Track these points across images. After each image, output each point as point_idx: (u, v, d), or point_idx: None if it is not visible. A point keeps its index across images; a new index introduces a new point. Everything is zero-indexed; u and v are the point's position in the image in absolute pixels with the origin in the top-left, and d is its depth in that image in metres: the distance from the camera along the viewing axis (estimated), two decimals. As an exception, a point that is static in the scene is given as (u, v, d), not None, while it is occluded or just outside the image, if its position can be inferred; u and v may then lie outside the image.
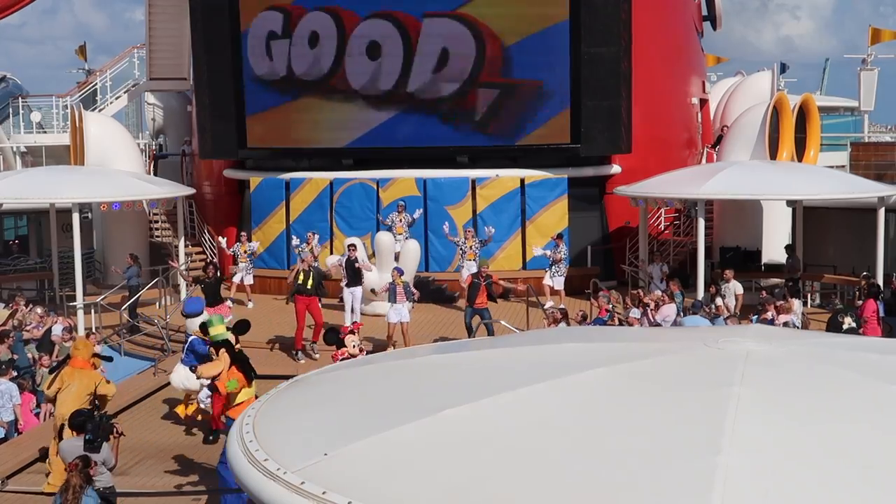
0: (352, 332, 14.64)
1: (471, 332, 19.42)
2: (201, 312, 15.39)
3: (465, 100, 25.92)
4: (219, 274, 20.39)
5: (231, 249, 24.86)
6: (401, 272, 19.89)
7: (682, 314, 18.84)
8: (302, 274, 19.52)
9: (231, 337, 12.84)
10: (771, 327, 14.47)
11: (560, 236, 24.26)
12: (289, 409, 5.63)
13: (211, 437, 14.80)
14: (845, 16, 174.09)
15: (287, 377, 6.99)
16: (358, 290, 20.88)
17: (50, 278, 26.50)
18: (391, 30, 25.81)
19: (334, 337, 14.61)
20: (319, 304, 19.87)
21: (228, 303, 23.34)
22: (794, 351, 5.75)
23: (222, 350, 12.28)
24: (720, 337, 5.78)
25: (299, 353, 19.66)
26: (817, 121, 26.83)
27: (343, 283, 21.09)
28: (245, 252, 24.62)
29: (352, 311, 20.88)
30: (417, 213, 24.75)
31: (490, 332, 19.40)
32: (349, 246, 21.13)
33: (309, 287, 19.40)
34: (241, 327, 13.52)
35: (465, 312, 20.04)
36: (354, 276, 20.72)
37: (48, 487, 12.50)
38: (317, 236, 23.74)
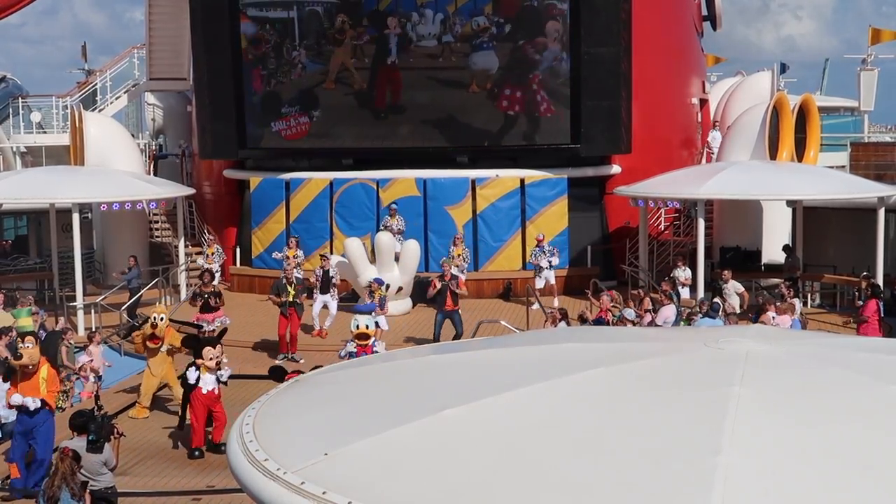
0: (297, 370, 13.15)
1: (437, 341, 19.26)
2: (369, 312, 17.23)
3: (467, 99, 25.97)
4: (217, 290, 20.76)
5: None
6: (380, 283, 20.33)
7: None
8: (288, 288, 19.74)
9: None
10: (771, 328, 14.47)
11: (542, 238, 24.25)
12: (289, 409, 5.62)
13: (196, 453, 14.17)
14: (846, 16, 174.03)
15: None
16: (329, 298, 21.41)
17: (50, 278, 26.47)
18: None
19: (280, 375, 13.20)
20: (299, 314, 20.15)
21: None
22: (795, 351, 5.75)
23: (28, 337, 13.55)
24: (720, 337, 5.77)
25: (283, 356, 19.53)
26: (817, 121, 26.83)
27: (316, 290, 21.56)
28: (212, 254, 25.23)
29: (317, 314, 21.45)
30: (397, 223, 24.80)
31: (459, 335, 19.46)
32: (321, 256, 22.20)
33: (294, 300, 19.79)
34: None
35: (436, 320, 19.99)
36: (326, 284, 21.43)
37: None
38: (300, 249, 23.67)
